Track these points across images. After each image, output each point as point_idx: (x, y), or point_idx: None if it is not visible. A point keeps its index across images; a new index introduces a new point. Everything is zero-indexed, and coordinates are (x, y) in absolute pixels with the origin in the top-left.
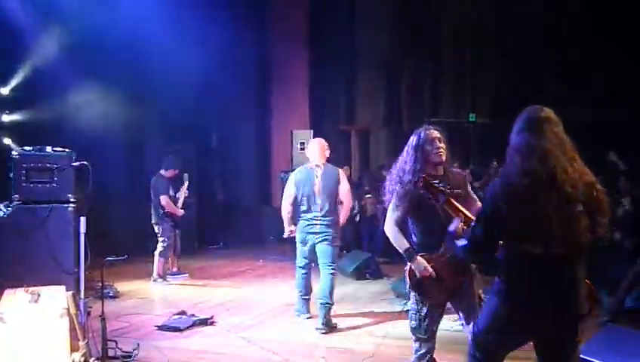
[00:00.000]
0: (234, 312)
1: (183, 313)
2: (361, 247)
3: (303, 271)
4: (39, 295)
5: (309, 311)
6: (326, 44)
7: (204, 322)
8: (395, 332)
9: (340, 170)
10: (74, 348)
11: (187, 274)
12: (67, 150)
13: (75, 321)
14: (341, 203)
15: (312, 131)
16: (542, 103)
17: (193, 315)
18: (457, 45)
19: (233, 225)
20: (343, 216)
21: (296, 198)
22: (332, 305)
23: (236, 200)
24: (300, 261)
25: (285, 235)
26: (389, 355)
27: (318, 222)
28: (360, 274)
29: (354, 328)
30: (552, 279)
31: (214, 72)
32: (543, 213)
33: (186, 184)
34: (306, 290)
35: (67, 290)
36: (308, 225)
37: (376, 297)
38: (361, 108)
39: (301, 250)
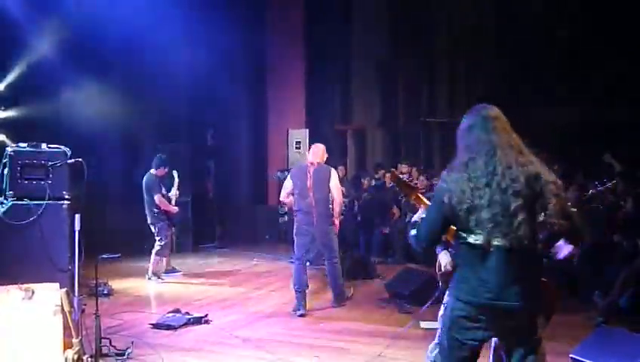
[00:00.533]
0: (228, 311)
1: (177, 311)
2: (358, 247)
3: (298, 263)
4: (33, 292)
5: (304, 308)
6: (322, 43)
7: (198, 320)
8: (389, 331)
9: (332, 169)
10: (67, 346)
11: (182, 273)
12: (62, 147)
13: (69, 319)
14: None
15: (307, 130)
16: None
17: (187, 313)
18: (454, 45)
19: (228, 223)
20: (336, 211)
21: (293, 192)
22: (343, 284)
23: (232, 199)
24: (297, 253)
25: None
26: (383, 354)
27: (312, 215)
28: (356, 273)
29: (348, 327)
30: (499, 273)
31: (211, 70)
32: (482, 205)
33: (177, 181)
34: (300, 283)
35: (61, 288)
36: (303, 218)
37: (371, 297)
38: (357, 108)
39: (297, 242)
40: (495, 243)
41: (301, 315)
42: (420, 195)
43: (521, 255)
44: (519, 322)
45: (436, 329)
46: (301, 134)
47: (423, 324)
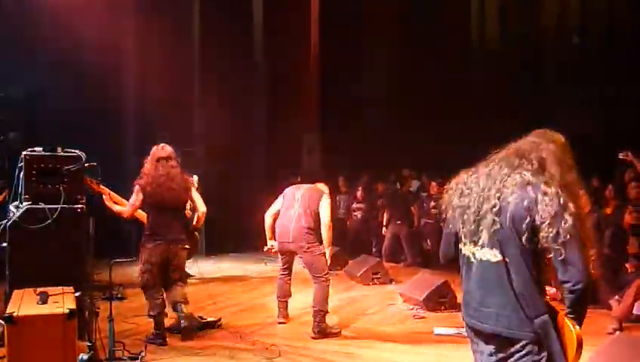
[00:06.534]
0: (242, 315)
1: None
2: (370, 252)
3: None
4: (48, 295)
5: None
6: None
7: (211, 324)
8: (402, 337)
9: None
10: (82, 350)
11: (195, 277)
12: (77, 151)
13: (83, 322)
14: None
15: (321, 135)
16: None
17: (201, 317)
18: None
19: (241, 228)
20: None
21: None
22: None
23: (245, 203)
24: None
25: (265, 249)
26: (395, 360)
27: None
28: (368, 278)
29: (361, 333)
30: (478, 287)
31: (220, 72)
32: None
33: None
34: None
35: (75, 291)
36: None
37: (383, 302)
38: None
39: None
40: (471, 248)
41: (281, 323)
42: None
43: (495, 269)
44: (504, 351)
45: (450, 334)
46: (315, 138)
47: (437, 330)
